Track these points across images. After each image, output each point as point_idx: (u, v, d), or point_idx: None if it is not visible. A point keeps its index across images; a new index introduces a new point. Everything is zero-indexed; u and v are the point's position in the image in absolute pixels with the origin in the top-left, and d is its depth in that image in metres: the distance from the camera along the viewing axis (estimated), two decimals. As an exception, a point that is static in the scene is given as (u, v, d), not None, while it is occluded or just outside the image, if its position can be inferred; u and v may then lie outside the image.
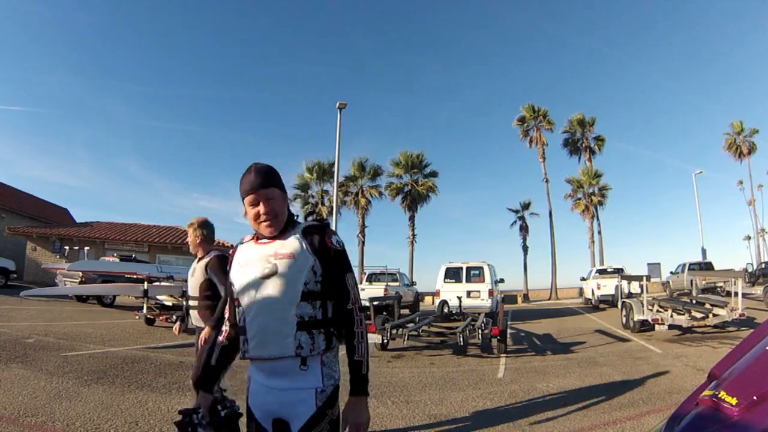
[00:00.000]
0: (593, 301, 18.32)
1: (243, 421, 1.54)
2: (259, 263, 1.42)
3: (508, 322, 10.17)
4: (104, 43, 50.63)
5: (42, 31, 48.09)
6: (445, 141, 53.80)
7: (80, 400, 4.24)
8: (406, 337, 7.65)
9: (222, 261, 3.23)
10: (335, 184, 18.35)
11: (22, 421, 3.58)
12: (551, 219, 29.20)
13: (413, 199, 27.77)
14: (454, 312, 12.30)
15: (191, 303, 3.37)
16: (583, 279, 20.54)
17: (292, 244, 1.42)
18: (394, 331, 7.98)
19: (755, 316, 10.37)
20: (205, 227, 3.39)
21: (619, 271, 17.33)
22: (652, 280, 16.96)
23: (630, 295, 13.41)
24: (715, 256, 42.09)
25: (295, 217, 1.53)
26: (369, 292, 13.82)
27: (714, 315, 9.27)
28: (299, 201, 27.31)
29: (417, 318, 9.87)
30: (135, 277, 10.68)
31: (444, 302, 13.11)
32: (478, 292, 13.04)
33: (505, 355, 7.69)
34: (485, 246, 52.77)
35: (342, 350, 1.47)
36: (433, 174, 28.36)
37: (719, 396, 1.27)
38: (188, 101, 54.84)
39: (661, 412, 4.18)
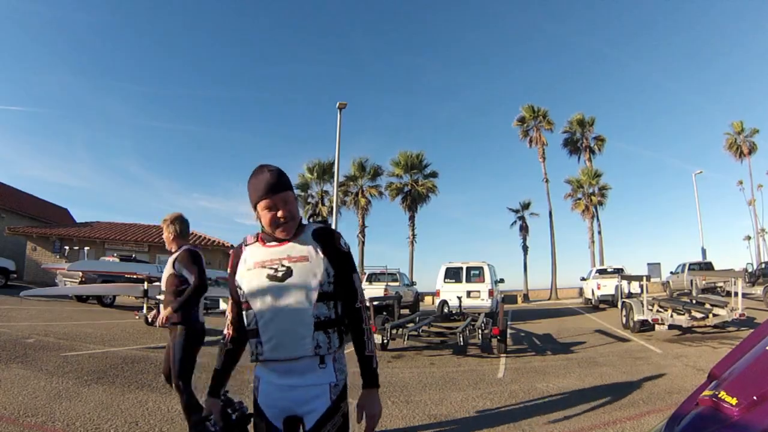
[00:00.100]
0: (593, 301, 18.32)
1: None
2: (271, 266, 1.42)
3: (508, 322, 10.18)
4: (104, 43, 50.72)
5: (42, 31, 48.17)
6: (445, 141, 53.92)
7: (80, 400, 4.24)
8: (406, 337, 7.65)
9: (191, 254, 3.27)
10: (335, 184, 18.35)
11: (22, 421, 3.58)
12: (551, 219, 29.26)
13: (413, 199, 27.79)
14: (454, 312, 12.29)
15: (159, 297, 3.41)
16: (583, 279, 20.54)
17: (304, 246, 1.44)
18: (394, 331, 7.98)
19: (755, 316, 10.37)
20: (178, 223, 3.40)
21: (619, 271, 17.33)
22: (652, 280, 16.96)
23: (630, 295, 13.41)
24: (715, 256, 42.15)
25: (300, 219, 1.54)
26: (369, 292, 13.82)
27: (714, 315, 9.27)
28: (299, 201, 27.32)
29: (417, 318, 9.87)
30: (135, 277, 10.68)
31: (444, 302, 13.11)
32: (478, 292, 13.04)
33: (505, 355, 7.69)
34: (485, 246, 52.88)
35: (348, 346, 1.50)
36: (433, 174, 28.41)
37: (719, 396, 1.27)
38: (188, 101, 54.94)
39: (661, 412, 4.17)
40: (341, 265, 1.46)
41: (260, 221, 1.47)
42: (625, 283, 14.68)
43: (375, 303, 9.27)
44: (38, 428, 3.47)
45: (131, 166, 54.38)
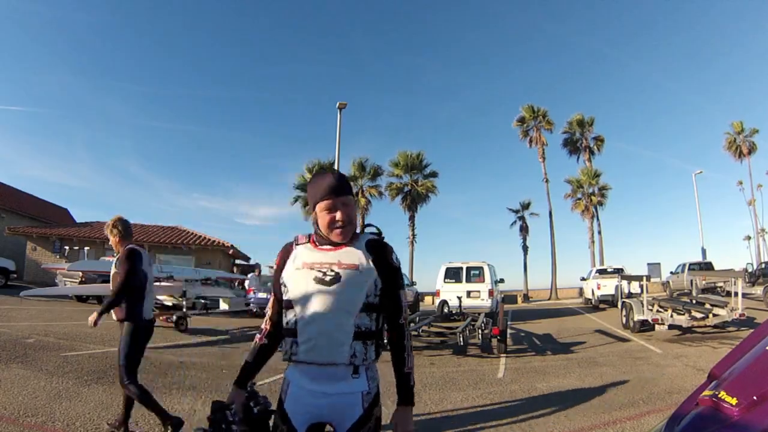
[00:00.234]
0: (593, 301, 18.32)
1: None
2: (320, 269, 1.42)
3: (508, 322, 10.17)
4: (104, 43, 50.63)
5: (42, 31, 48.10)
6: (445, 141, 53.85)
7: (80, 400, 4.24)
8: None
9: (127, 253, 3.39)
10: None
11: (22, 421, 3.58)
12: (551, 219, 29.26)
13: (413, 199, 27.78)
14: (454, 312, 12.28)
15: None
16: (583, 279, 20.54)
17: (356, 255, 1.44)
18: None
19: (755, 316, 10.37)
20: (120, 224, 3.51)
21: (619, 271, 17.33)
22: (652, 280, 16.97)
23: (630, 295, 13.41)
24: (715, 256, 42.12)
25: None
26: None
27: (714, 315, 9.27)
28: (300, 201, 27.33)
29: (417, 318, 9.87)
30: (135, 277, 10.65)
31: (444, 302, 13.10)
32: (478, 292, 13.04)
33: (505, 355, 7.69)
34: (485, 246, 52.84)
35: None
36: (433, 174, 28.39)
37: (719, 396, 1.27)
38: (188, 101, 54.80)
39: (661, 412, 4.17)
40: (390, 279, 1.46)
41: (316, 223, 1.48)
42: (625, 283, 14.68)
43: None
44: (38, 428, 3.47)
45: (131, 166, 54.39)
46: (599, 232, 29.17)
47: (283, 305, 1.48)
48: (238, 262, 24.69)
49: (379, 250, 1.47)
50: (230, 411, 1.49)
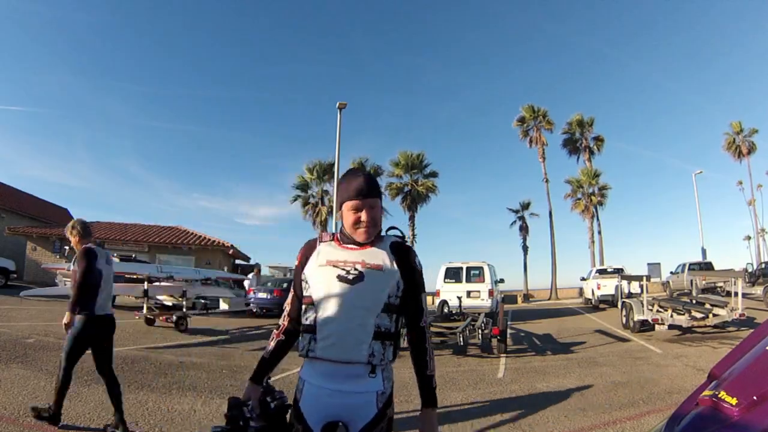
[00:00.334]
0: (593, 301, 18.32)
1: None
2: (344, 267, 1.43)
3: (508, 322, 10.18)
4: (104, 43, 50.69)
5: (42, 31, 48.14)
6: (445, 141, 53.87)
7: (80, 400, 4.24)
8: (405, 337, 7.66)
9: (83, 252, 3.57)
10: (335, 184, 18.36)
11: (22, 421, 3.58)
12: (551, 219, 29.26)
13: (413, 199, 27.77)
14: (454, 312, 12.30)
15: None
16: (583, 279, 20.54)
17: (381, 256, 1.46)
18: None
19: (755, 316, 10.37)
20: (78, 225, 3.72)
21: (619, 271, 17.34)
22: (652, 280, 16.97)
23: (630, 295, 13.41)
24: (715, 256, 42.12)
25: (380, 230, 1.55)
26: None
27: (714, 315, 9.28)
28: (299, 201, 27.35)
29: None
30: (135, 277, 10.66)
31: (444, 302, 13.11)
32: (478, 292, 13.04)
33: (505, 355, 7.69)
34: (485, 246, 52.88)
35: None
36: (433, 174, 28.36)
37: (719, 396, 1.27)
38: (188, 101, 54.87)
39: (661, 412, 4.18)
40: (412, 282, 1.48)
41: (342, 222, 1.50)
42: (625, 283, 14.69)
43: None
44: (38, 428, 3.47)
45: (131, 166, 54.40)
46: (599, 232, 29.20)
47: (302, 302, 1.49)
48: (238, 262, 24.68)
49: (402, 252, 1.49)
50: (247, 407, 1.49)
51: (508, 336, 8.37)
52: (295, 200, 27.52)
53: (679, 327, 9.36)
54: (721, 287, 16.77)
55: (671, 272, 22.10)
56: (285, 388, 1.66)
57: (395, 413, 1.52)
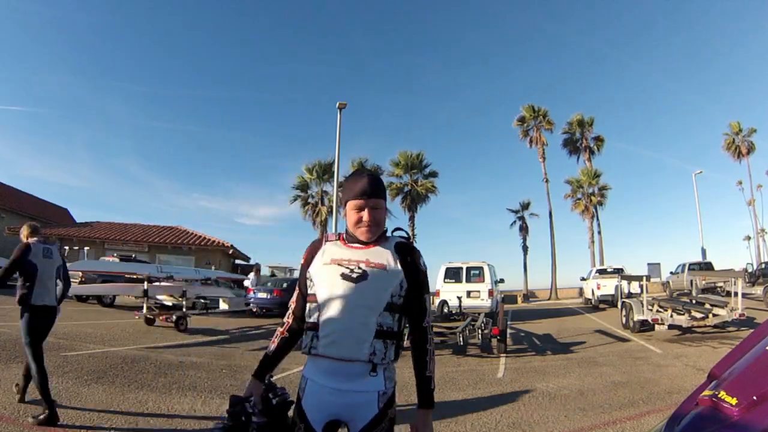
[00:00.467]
0: (593, 301, 18.32)
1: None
2: (348, 266, 1.45)
3: (508, 322, 10.18)
4: (104, 43, 50.64)
5: (42, 31, 48.13)
6: (445, 141, 53.79)
7: (80, 400, 4.24)
8: (405, 338, 7.66)
9: (20, 246, 3.98)
10: (335, 184, 18.34)
11: (22, 421, 3.58)
12: (551, 219, 29.26)
13: (413, 199, 27.76)
14: (454, 312, 12.30)
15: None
16: (583, 279, 20.53)
17: (384, 255, 1.47)
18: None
19: (755, 316, 10.37)
20: (26, 228, 4.29)
21: (619, 271, 17.34)
22: (652, 280, 16.96)
23: (630, 295, 13.42)
24: (715, 256, 42.10)
25: (385, 230, 1.56)
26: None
27: (714, 315, 9.28)
28: (299, 201, 27.34)
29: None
30: (135, 277, 10.67)
31: (444, 302, 13.11)
32: (478, 292, 13.04)
33: (505, 355, 7.69)
34: (485, 246, 52.80)
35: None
36: (433, 174, 28.36)
37: (719, 396, 1.27)
38: (188, 101, 54.77)
39: (661, 412, 4.18)
40: (416, 282, 1.48)
41: (346, 220, 1.52)
42: (625, 283, 14.69)
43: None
44: (38, 428, 3.47)
45: (131, 166, 54.35)
46: (599, 232, 29.20)
47: (307, 300, 1.50)
48: (238, 262, 24.69)
49: (407, 252, 1.50)
50: (249, 403, 1.51)
51: (508, 336, 8.37)
52: (295, 200, 27.53)
53: (679, 327, 9.36)
54: (721, 287, 16.77)
55: (671, 272, 22.10)
56: (285, 387, 1.67)
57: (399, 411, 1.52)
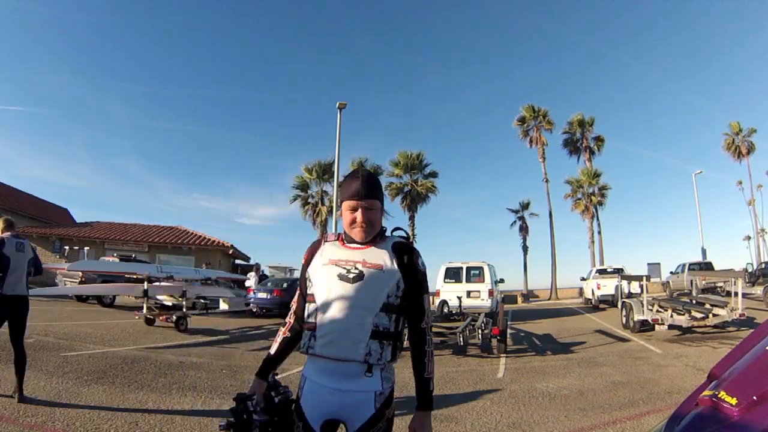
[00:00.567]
0: (593, 301, 18.32)
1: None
2: (345, 266, 1.46)
3: (508, 322, 10.18)
4: (104, 43, 50.52)
5: (42, 31, 48.02)
6: (445, 141, 53.74)
7: (80, 400, 4.24)
8: (405, 337, 7.66)
9: None
10: (335, 184, 18.35)
11: (22, 421, 3.58)
12: (551, 219, 29.25)
13: (413, 199, 27.75)
14: (454, 312, 12.30)
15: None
16: (583, 279, 20.53)
17: (381, 256, 1.47)
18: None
19: (755, 316, 10.37)
20: (2, 222, 4.46)
21: (619, 271, 17.33)
22: (652, 280, 16.98)
23: (630, 295, 13.41)
24: (715, 256, 42.05)
25: (384, 230, 1.57)
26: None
27: (714, 315, 9.28)
28: (299, 201, 27.34)
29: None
30: (135, 277, 10.67)
31: (444, 302, 13.11)
32: (478, 292, 13.04)
33: (505, 355, 7.69)
34: (485, 246, 52.76)
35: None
36: (433, 174, 28.35)
37: (719, 396, 1.27)
38: (188, 101, 54.68)
39: (661, 412, 4.18)
40: (414, 282, 1.48)
41: (342, 221, 1.54)
42: (625, 283, 14.68)
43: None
44: (38, 428, 3.47)
45: (131, 166, 54.26)
46: (599, 232, 29.19)
47: (306, 300, 1.52)
48: (238, 262, 24.69)
49: (404, 252, 1.50)
50: (251, 401, 1.53)
51: (508, 336, 8.37)
52: (295, 200, 27.51)
53: (679, 327, 9.36)
54: (721, 287, 16.77)
55: (671, 272, 22.10)
56: (288, 386, 1.68)
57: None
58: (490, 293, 12.91)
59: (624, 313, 11.01)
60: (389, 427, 1.46)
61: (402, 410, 1.57)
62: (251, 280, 15.23)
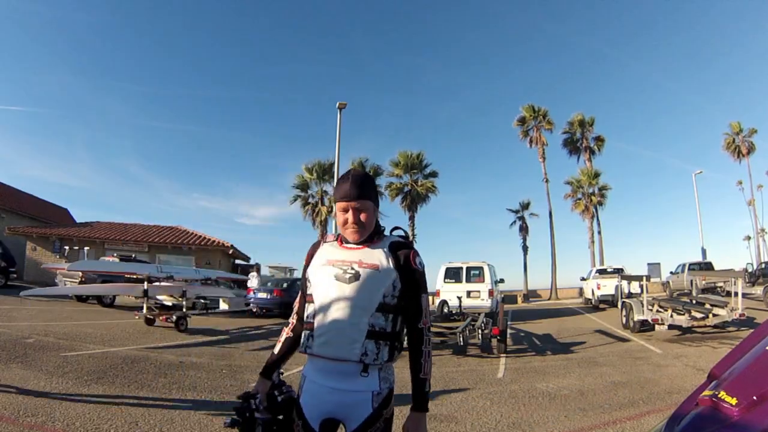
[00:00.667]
0: (593, 301, 18.32)
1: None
2: (342, 266, 1.47)
3: (508, 322, 10.18)
4: (104, 43, 50.53)
5: (42, 31, 48.01)
6: (445, 141, 53.81)
7: (80, 401, 4.24)
8: (405, 338, 7.66)
9: None
10: (335, 184, 18.34)
11: (22, 421, 3.58)
12: (551, 219, 29.25)
13: (413, 199, 27.76)
14: (454, 312, 12.30)
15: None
16: (583, 279, 20.54)
17: (378, 256, 1.47)
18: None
19: (755, 316, 10.37)
20: None
21: (619, 271, 17.33)
22: (652, 280, 16.98)
23: (630, 295, 13.41)
24: (715, 256, 42.04)
25: (382, 229, 1.57)
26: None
27: (714, 315, 9.28)
28: (299, 201, 27.34)
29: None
30: (135, 277, 10.66)
31: (444, 302, 13.11)
32: (478, 292, 13.04)
33: (505, 355, 7.69)
34: (485, 246, 52.79)
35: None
36: (433, 174, 28.36)
37: (719, 396, 1.27)
38: (188, 101, 54.72)
39: (661, 412, 4.18)
40: (411, 282, 1.48)
41: (336, 221, 1.56)
42: (625, 283, 14.68)
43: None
44: (38, 428, 3.47)
45: (131, 166, 54.28)
46: (599, 232, 29.19)
47: (306, 300, 1.54)
48: (237, 262, 24.68)
49: (401, 252, 1.49)
50: (255, 400, 1.55)
51: (508, 336, 8.37)
52: (295, 200, 27.53)
53: (679, 327, 9.36)
54: (721, 287, 16.77)
55: (671, 272, 22.11)
56: (292, 386, 1.69)
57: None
58: (490, 293, 12.91)
59: (624, 313, 11.01)
60: (387, 427, 1.46)
61: (401, 409, 1.56)
62: (253, 280, 15.22)
